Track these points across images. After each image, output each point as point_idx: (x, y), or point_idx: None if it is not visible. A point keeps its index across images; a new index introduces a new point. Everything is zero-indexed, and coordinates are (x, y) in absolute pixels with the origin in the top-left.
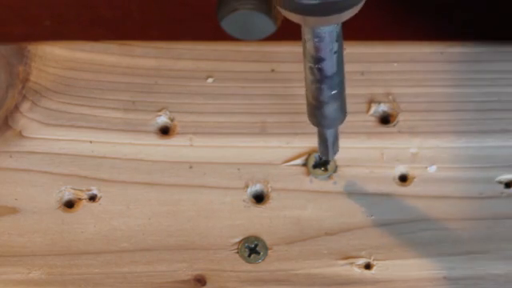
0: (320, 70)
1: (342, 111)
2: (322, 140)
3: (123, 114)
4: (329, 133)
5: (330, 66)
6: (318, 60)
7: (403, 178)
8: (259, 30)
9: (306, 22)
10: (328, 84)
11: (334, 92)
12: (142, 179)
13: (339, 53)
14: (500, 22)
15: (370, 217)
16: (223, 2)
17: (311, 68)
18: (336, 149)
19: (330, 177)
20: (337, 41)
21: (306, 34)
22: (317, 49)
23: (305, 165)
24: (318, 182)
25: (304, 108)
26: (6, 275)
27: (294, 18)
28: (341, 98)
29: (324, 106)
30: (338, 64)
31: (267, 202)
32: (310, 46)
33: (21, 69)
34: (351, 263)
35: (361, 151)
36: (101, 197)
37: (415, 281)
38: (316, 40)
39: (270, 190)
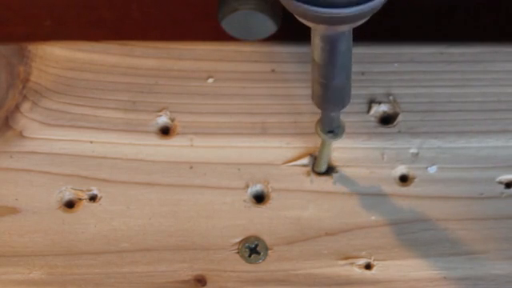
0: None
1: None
2: (329, 120)
3: (124, 114)
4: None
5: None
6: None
7: (403, 179)
8: (259, 30)
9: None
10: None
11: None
12: (142, 179)
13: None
14: (500, 21)
15: (371, 217)
16: (224, 2)
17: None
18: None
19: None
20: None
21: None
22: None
23: (305, 165)
24: (318, 182)
25: (304, 108)
26: (7, 275)
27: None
28: (350, 77)
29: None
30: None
31: (267, 202)
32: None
33: (21, 69)
34: (351, 263)
35: (361, 151)
36: (101, 197)
37: (415, 281)
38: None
39: (270, 190)
